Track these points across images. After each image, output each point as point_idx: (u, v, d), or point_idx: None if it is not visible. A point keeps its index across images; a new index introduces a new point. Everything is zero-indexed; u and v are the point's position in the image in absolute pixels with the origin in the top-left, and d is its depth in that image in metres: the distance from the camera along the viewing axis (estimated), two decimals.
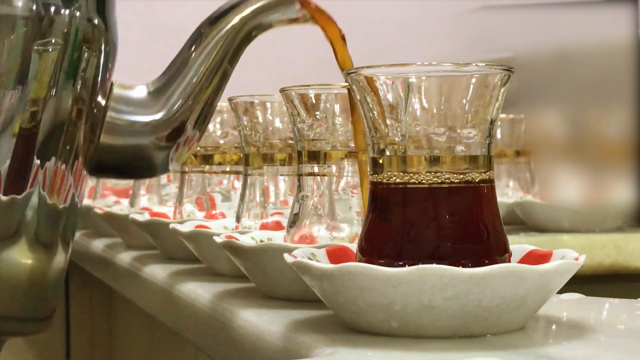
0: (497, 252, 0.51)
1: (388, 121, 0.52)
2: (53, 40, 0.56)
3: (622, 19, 1.25)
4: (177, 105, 0.61)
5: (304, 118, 0.64)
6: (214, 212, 0.90)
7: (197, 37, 0.62)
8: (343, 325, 0.52)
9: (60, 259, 0.60)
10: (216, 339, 0.64)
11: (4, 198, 0.56)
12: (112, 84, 0.61)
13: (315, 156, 0.64)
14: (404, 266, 0.48)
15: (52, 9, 0.56)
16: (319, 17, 0.62)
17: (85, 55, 0.58)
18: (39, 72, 0.56)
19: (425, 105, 0.51)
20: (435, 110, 0.51)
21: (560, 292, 0.56)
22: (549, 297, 0.51)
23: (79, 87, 0.57)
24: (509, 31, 1.52)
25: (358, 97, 0.53)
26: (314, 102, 0.64)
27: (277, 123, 0.75)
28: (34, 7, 0.56)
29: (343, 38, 0.62)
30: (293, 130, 0.65)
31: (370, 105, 0.52)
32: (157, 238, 0.88)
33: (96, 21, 0.58)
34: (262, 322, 0.56)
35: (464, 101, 0.51)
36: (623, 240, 1.09)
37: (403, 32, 1.91)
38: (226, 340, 0.61)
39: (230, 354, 0.61)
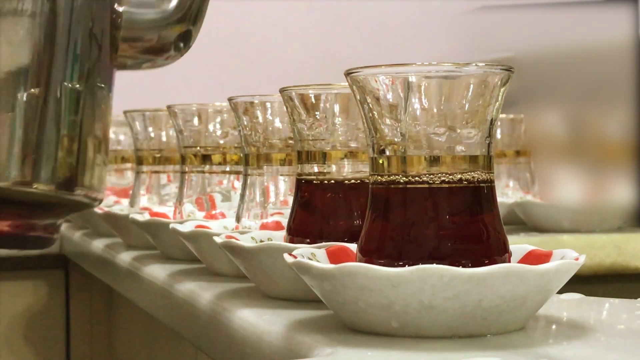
0: (497, 252, 0.51)
1: (388, 121, 0.52)
2: None
3: (622, 19, 1.25)
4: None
5: (304, 118, 0.64)
6: (214, 212, 0.90)
7: None
8: (343, 325, 0.52)
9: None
10: (216, 339, 0.64)
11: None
12: None
13: (315, 156, 0.64)
14: (404, 266, 0.48)
15: None
16: None
17: None
18: None
19: (425, 105, 0.51)
20: (435, 110, 0.51)
21: (560, 292, 0.56)
22: (549, 297, 0.51)
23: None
24: (509, 31, 1.52)
25: (358, 97, 0.53)
26: (314, 102, 0.64)
27: (277, 123, 0.75)
28: None
29: None
30: (293, 130, 0.65)
31: (370, 105, 0.52)
32: (157, 238, 0.88)
33: None
34: (262, 322, 0.56)
35: (464, 101, 0.51)
36: (623, 240, 1.09)
37: (403, 32, 1.91)
38: (226, 340, 0.61)
39: (230, 354, 0.61)
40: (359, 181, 0.63)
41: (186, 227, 0.76)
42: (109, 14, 0.62)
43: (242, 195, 0.76)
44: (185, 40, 0.65)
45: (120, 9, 0.62)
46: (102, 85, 0.62)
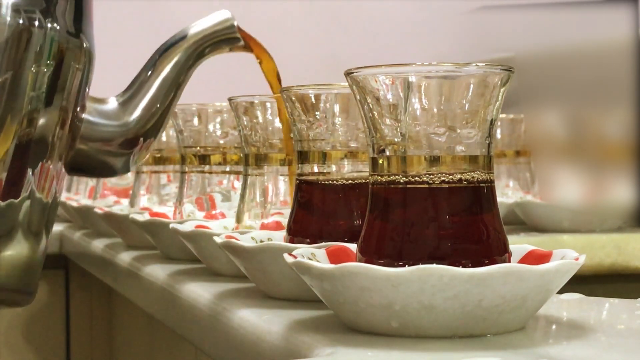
0: (497, 252, 0.51)
1: (388, 121, 0.52)
2: (34, 54, 0.61)
3: (622, 19, 1.25)
4: (140, 115, 0.70)
5: (304, 118, 0.64)
6: (214, 212, 0.90)
7: (152, 63, 0.71)
8: (343, 325, 0.52)
9: (44, 243, 0.66)
10: (216, 339, 0.64)
11: (3, 203, 0.61)
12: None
13: (315, 156, 0.64)
14: (404, 266, 0.48)
15: (36, 23, 0.61)
16: (255, 47, 0.74)
17: (64, 67, 0.63)
18: (22, 83, 0.60)
19: (425, 105, 0.51)
20: (435, 110, 0.51)
21: (560, 292, 0.56)
22: (549, 297, 0.51)
23: (60, 98, 0.62)
24: (509, 31, 1.52)
25: (358, 97, 0.53)
26: (314, 102, 0.64)
27: (277, 123, 0.75)
28: (20, 21, 0.60)
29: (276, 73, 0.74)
30: (293, 130, 0.65)
31: (370, 106, 0.52)
32: (157, 238, 0.88)
33: (74, 35, 0.63)
34: (262, 322, 0.56)
35: (464, 101, 0.51)
36: (623, 240, 1.09)
37: (403, 32, 1.91)
38: (226, 340, 0.61)
39: (230, 354, 0.61)
40: (359, 181, 0.63)
41: (186, 227, 0.76)
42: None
43: (242, 195, 0.76)
44: (154, 133, 0.69)
45: (83, 115, 0.64)
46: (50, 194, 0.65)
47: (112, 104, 0.69)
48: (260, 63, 0.73)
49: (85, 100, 0.66)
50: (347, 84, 0.54)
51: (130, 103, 0.69)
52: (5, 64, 0.59)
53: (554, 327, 0.54)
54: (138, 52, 1.79)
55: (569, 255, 0.52)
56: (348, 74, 0.53)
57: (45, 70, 0.61)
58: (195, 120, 0.90)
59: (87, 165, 0.69)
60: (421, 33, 1.91)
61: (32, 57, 0.60)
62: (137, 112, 0.69)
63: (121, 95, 0.70)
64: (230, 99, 0.77)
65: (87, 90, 0.65)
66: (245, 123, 0.76)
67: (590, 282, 1.05)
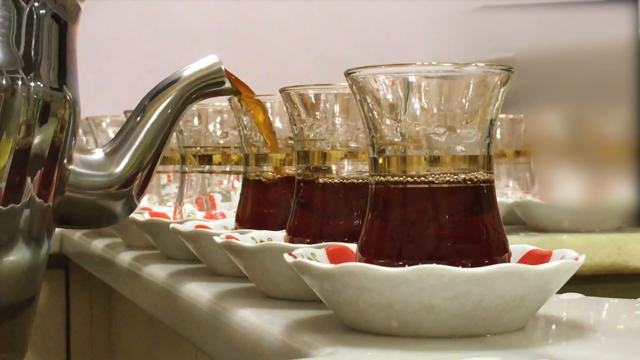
0: (497, 252, 0.51)
1: (388, 121, 0.52)
2: (18, 112, 0.62)
3: (622, 19, 1.25)
4: (128, 164, 0.71)
5: (304, 118, 0.64)
6: (214, 212, 0.90)
7: (141, 110, 0.72)
8: (343, 325, 0.52)
9: (46, 247, 0.67)
10: (216, 339, 0.64)
11: (4, 208, 0.63)
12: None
13: (315, 156, 0.64)
14: (404, 266, 0.48)
15: (19, 82, 0.62)
16: (243, 90, 0.74)
17: (48, 123, 0.64)
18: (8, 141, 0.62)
19: (425, 105, 0.51)
20: (435, 110, 0.51)
21: (560, 292, 0.56)
22: (549, 297, 0.51)
23: (45, 154, 0.64)
24: (509, 31, 1.52)
25: (358, 97, 0.53)
26: (314, 102, 0.64)
27: (277, 123, 0.75)
28: (3, 81, 0.61)
29: (264, 110, 0.74)
30: (293, 130, 0.65)
31: (370, 106, 0.52)
32: (157, 238, 0.88)
33: (58, 89, 0.64)
34: (262, 322, 0.56)
35: (464, 101, 0.51)
36: (623, 240, 1.09)
37: (403, 32, 1.91)
38: (226, 340, 0.61)
39: (230, 354, 0.61)
40: (359, 181, 0.63)
41: (186, 227, 0.76)
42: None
43: None
44: (147, 179, 0.70)
45: (70, 166, 0.67)
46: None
47: (98, 154, 0.70)
48: (244, 101, 0.74)
49: (72, 151, 0.67)
50: (347, 84, 0.54)
51: (117, 154, 0.70)
52: None
53: (553, 327, 0.54)
54: (138, 51, 1.79)
55: (569, 255, 0.52)
56: (348, 74, 0.53)
57: (30, 126, 0.62)
58: (195, 120, 0.90)
59: (77, 215, 0.69)
60: (421, 33, 1.91)
61: (16, 115, 0.61)
62: (123, 163, 0.70)
63: (108, 146, 0.71)
64: (230, 99, 0.77)
65: (73, 141, 0.66)
66: (246, 123, 0.76)
67: (590, 282, 1.05)
